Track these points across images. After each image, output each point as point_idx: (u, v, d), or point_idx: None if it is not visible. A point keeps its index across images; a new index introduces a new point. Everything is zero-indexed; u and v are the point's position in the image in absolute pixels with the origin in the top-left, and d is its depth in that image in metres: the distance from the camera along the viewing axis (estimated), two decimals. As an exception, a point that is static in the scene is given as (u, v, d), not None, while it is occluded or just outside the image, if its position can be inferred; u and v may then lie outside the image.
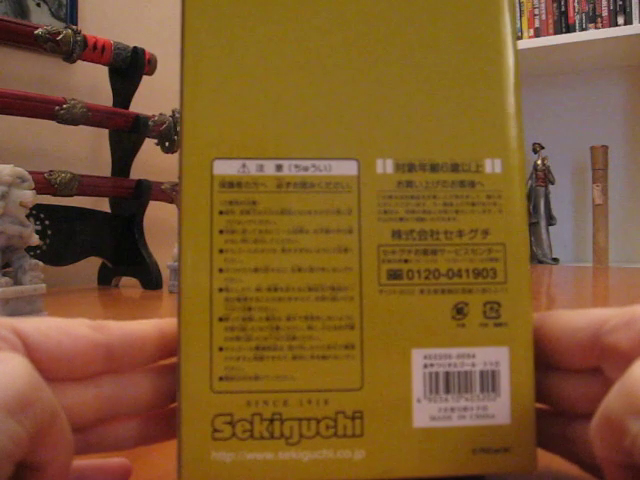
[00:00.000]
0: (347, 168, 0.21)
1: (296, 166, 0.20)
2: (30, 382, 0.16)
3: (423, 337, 0.20)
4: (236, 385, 0.19)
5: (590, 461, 0.19)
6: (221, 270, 0.20)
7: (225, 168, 0.20)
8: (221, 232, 0.20)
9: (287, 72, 0.21)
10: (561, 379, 0.20)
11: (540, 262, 1.73)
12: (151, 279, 1.03)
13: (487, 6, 0.22)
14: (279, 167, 0.20)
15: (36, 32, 0.93)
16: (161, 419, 0.21)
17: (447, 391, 0.20)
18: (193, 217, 0.20)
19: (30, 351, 0.18)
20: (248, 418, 0.19)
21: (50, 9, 1.14)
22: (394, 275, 0.20)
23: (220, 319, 0.20)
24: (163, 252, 1.09)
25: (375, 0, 0.21)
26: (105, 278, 1.10)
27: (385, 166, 0.21)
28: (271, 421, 0.19)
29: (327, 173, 0.21)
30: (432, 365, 0.20)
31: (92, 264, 1.08)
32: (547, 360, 0.21)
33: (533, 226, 1.75)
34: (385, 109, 0.21)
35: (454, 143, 0.21)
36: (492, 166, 0.21)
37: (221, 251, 0.20)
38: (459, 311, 0.20)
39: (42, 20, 1.12)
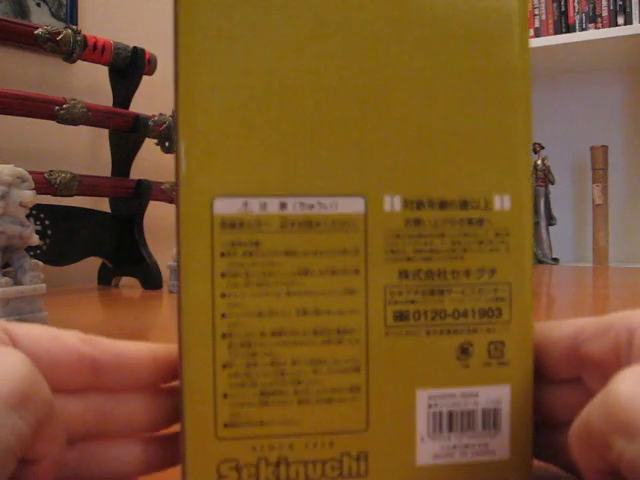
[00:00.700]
0: (354, 205, 0.20)
1: (301, 204, 0.19)
2: (29, 376, 0.16)
3: (428, 378, 0.20)
4: (241, 431, 0.19)
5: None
6: (224, 315, 0.19)
7: (226, 207, 0.19)
8: (223, 275, 0.19)
9: (291, 104, 0.20)
10: (546, 390, 0.21)
11: (540, 262, 1.73)
12: (151, 279, 1.03)
13: (498, 37, 0.21)
14: (283, 205, 0.19)
15: (36, 32, 0.93)
16: (161, 444, 0.21)
17: (450, 429, 0.20)
18: (193, 260, 0.19)
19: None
20: (254, 463, 0.19)
21: (50, 9, 1.14)
22: (400, 316, 0.20)
23: (224, 366, 0.19)
24: (163, 252, 1.09)
25: (384, 30, 0.20)
26: (105, 278, 1.10)
27: (393, 203, 0.20)
28: (277, 465, 0.19)
29: (333, 211, 0.20)
30: (436, 405, 0.20)
31: (92, 264, 1.08)
32: (533, 371, 0.21)
33: (533, 226, 1.75)
34: (393, 143, 0.20)
35: (463, 178, 0.20)
36: (501, 202, 0.21)
37: (223, 295, 0.19)
38: (464, 351, 0.20)
39: (42, 20, 1.12)
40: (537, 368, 0.21)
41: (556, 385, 0.21)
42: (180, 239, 0.19)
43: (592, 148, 1.70)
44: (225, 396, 0.19)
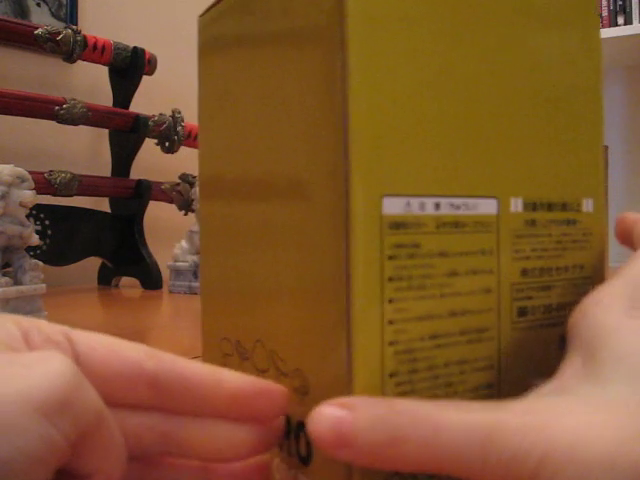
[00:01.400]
0: (489, 207, 0.20)
1: (451, 205, 0.19)
2: (70, 381, 0.15)
3: (540, 369, 0.21)
4: None
5: None
6: (391, 322, 0.18)
7: (392, 207, 0.18)
8: (390, 280, 0.18)
9: (450, 101, 0.19)
10: None
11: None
12: (151, 279, 1.03)
13: (587, 51, 0.23)
14: (437, 205, 0.19)
15: (36, 32, 0.94)
16: (245, 475, 0.20)
17: None
18: (365, 264, 0.18)
19: (77, 361, 0.17)
20: None
21: (50, 9, 1.14)
22: (522, 312, 0.21)
23: (390, 375, 0.18)
24: (163, 252, 1.09)
25: (513, 23, 0.21)
26: (105, 278, 1.10)
27: (517, 205, 0.21)
28: None
29: (474, 212, 0.20)
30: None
31: (92, 264, 1.08)
32: None
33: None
34: (515, 146, 0.21)
35: (563, 182, 0.22)
36: (587, 205, 0.23)
37: (391, 301, 0.18)
38: (562, 341, 0.21)
39: (42, 20, 1.12)
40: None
41: None
42: (350, 241, 0.18)
43: (592, 148, 1.70)
44: None
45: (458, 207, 0.19)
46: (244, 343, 0.23)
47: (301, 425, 0.20)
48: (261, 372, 0.22)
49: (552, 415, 0.14)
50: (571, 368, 0.17)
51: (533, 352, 0.21)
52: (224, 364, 0.24)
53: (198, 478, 0.20)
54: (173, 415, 0.18)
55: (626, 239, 0.23)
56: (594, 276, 0.23)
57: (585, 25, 0.23)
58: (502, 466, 0.14)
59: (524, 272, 0.21)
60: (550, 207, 0.22)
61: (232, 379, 0.19)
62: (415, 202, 0.19)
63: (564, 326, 0.21)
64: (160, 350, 0.18)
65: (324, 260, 0.19)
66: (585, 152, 0.23)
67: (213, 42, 0.25)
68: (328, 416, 0.15)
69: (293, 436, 0.20)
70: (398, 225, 0.18)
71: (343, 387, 0.18)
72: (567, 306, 0.22)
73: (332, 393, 0.17)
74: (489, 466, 0.14)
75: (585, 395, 0.15)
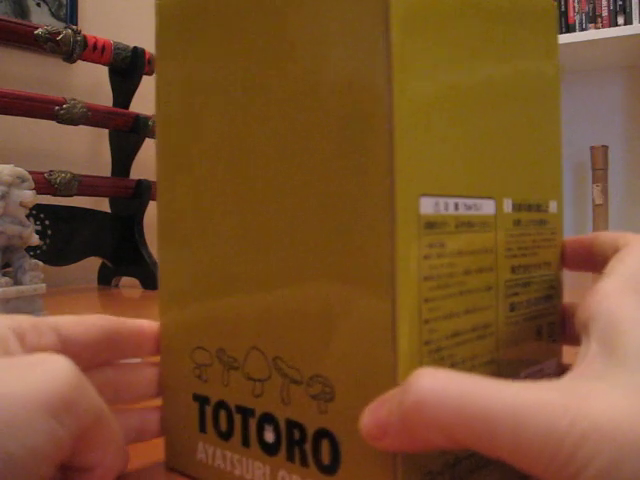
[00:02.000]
0: (490, 207, 0.21)
1: (465, 205, 0.20)
2: (73, 382, 0.15)
3: (528, 360, 0.23)
4: None
5: None
6: (426, 322, 0.18)
7: (426, 207, 0.18)
8: (425, 279, 0.18)
9: (470, 104, 0.20)
10: None
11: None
12: (151, 279, 1.03)
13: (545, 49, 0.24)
14: (456, 206, 0.19)
15: (36, 32, 0.93)
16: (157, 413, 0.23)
17: None
18: (406, 263, 0.18)
19: (64, 342, 0.20)
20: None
21: (50, 9, 1.14)
22: (512, 308, 0.22)
23: None
24: (163, 252, 1.08)
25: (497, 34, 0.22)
26: (105, 278, 1.10)
27: (508, 205, 0.22)
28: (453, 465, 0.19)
29: (479, 212, 0.20)
30: (530, 379, 0.23)
31: (92, 264, 1.08)
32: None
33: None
34: (504, 149, 0.22)
35: (536, 185, 0.24)
36: (553, 206, 0.24)
37: (426, 300, 0.18)
38: (539, 332, 0.24)
39: (42, 20, 1.12)
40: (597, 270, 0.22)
41: None
42: (394, 241, 0.17)
43: (592, 148, 1.70)
44: None
45: (470, 207, 0.20)
46: (231, 351, 0.22)
47: (322, 433, 0.19)
48: (258, 381, 0.21)
49: (590, 397, 0.14)
50: (594, 357, 0.17)
51: (520, 345, 0.22)
52: (199, 376, 0.23)
53: (137, 429, 0.23)
54: (121, 364, 0.23)
55: (582, 259, 0.24)
56: (557, 272, 0.25)
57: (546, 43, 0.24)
58: (537, 443, 0.14)
59: (513, 269, 0.22)
60: (529, 208, 0.23)
61: (147, 324, 0.24)
62: (441, 202, 0.19)
63: (540, 319, 0.23)
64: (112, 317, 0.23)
65: (367, 260, 0.18)
66: (550, 157, 0.24)
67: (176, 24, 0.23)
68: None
69: (310, 446, 0.20)
70: (431, 225, 0.19)
71: (384, 391, 0.17)
72: (540, 300, 0.24)
73: (368, 398, 0.17)
74: (523, 441, 0.14)
75: (615, 381, 0.15)
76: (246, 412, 0.22)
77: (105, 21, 1.24)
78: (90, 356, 0.20)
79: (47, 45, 0.95)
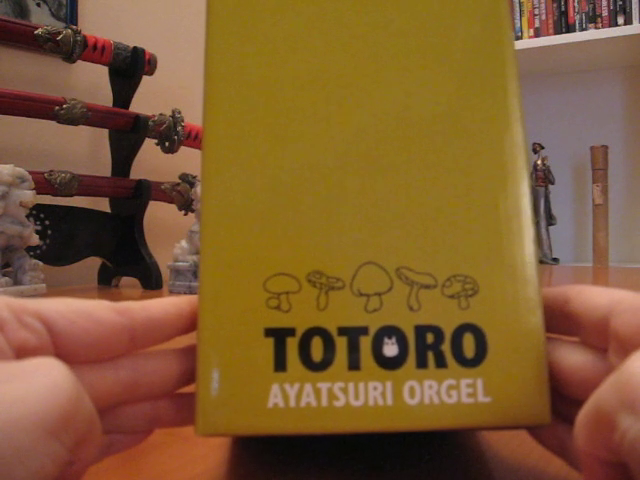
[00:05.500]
0: None
1: None
2: (71, 395, 0.15)
3: None
4: None
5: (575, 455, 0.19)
6: None
7: None
8: None
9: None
10: (567, 362, 0.20)
11: (540, 262, 1.73)
12: (151, 279, 1.03)
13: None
14: None
15: (36, 32, 0.93)
16: (174, 402, 0.21)
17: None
18: None
19: (55, 337, 0.18)
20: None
21: (50, 9, 1.14)
22: None
23: None
24: (163, 252, 1.09)
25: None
26: (105, 278, 1.10)
27: None
28: None
29: None
30: None
31: (92, 264, 1.08)
32: (570, 334, 0.20)
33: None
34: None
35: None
36: None
37: None
38: None
39: (42, 20, 1.12)
40: (574, 332, 0.20)
41: (587, 353, 0.19)
42: None
43: (592, 148, 1.70)
44: None
45: None
46: (332, 271, 0.21)
47: (464, 328, 0.20)
48: (375, 295, 0.21)
49: None
50: None
51: None
52: (277, 306, 0.21)
53: (149, 417, 0.21)
54: (138, 358, 0.20)
55: (557, 312, 0.21)
56: None
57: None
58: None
59: None
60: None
61: (188, 303, 0.21)
62: None
63: None
64: (130, 305, 0.20)
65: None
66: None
67: None
68: None
69: (447, 345, 0.20)
70: None
71: (514, 280, 0.20)
72: None
73: (506, 287, 0.20)
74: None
75: None
76: (355, 332, 0.20)
77: (105, 21, 1.24)
78: (87, 353, 0.19)
79: (47, 45, 0.95)
